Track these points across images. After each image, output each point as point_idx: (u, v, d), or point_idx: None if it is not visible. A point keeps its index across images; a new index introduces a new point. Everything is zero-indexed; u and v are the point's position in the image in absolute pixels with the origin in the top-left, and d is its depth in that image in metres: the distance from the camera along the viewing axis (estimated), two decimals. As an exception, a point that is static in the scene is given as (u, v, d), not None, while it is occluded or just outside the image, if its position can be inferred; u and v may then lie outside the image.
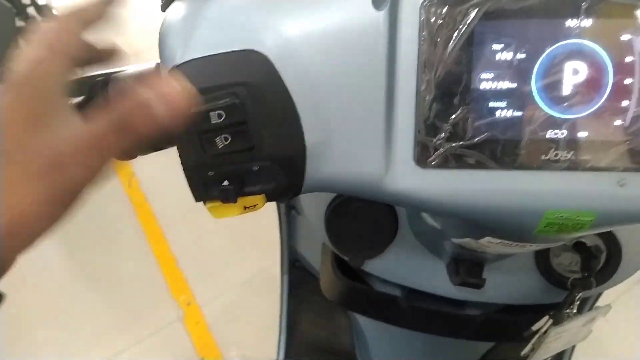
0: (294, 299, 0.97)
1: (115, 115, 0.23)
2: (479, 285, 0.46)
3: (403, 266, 0.56)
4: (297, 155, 0.28)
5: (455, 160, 0.27)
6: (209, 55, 0.27)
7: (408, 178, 0.28)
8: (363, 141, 0.28)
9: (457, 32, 0.26)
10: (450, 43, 0.26)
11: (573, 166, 0.26)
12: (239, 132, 0.27)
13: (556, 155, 0.26)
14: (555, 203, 0.27)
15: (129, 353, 1.40)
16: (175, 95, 0.23)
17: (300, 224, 0.87)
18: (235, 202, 0.29)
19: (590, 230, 0.29)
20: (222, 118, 0.26)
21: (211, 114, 0.26)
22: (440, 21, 0.26)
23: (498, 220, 0.29)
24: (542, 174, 0.27)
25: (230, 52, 0.27)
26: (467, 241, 0.37)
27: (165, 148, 0.32)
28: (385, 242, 0.53)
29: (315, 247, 0.77)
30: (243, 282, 1.51)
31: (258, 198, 0.30)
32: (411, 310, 0.60)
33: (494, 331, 0.61)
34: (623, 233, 0.48)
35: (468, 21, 0.26)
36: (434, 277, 0.55)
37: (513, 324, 0.59)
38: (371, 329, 0.75)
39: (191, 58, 0.27)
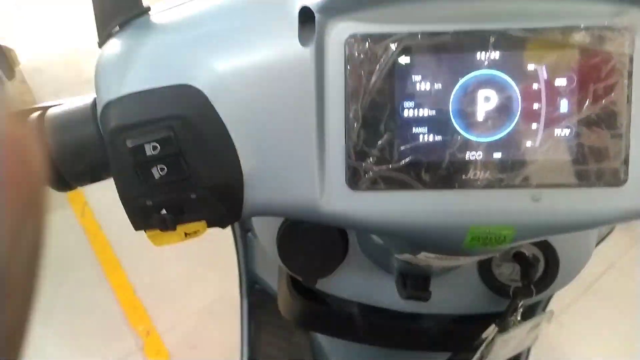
0: (254, 322, 0.96)
1: None
2: (425, 298, 0.48)
3: (355, 283, 0.57)
4: (234, 183, 0.29)
5: (384, 182, 0.29)
6: (144, 90, 0.28)
7: (341, 201, 0.29)
8: (297, 167, 0.29)
9: (379, 65, 0.28)
10: (374, 75, 0.28)
11: (491, 184, 0.28)
12: (174, 162, 0.28)
13: (475, 174, 0.28)
14: (478, 219, 0.29)
15: (87, 388, 1.35)
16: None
17: (257, 247, 0.88)
18: (174, 229, 0.30)
19: (514, 243, 0.31)
20: (157, 150, 0.27)
21: (146, 146, 0.27)
22: (362, 55, 0.28)
23: (427, 237, 0.31)
24: (465, 193, 0.29)
25: (165, 86, 0.28)
26: (408, 257, 0.39)
27: (103, 179, 0.32)
28: (336, 260, 0.54)
29: (273, 268, 0.77)
30: (203, 308, 1.49)
31: (199, 224, 0.31)
32: (367, 325, 0.61)
33: (448, 341, 0.63)
34: (559, 242, 0.51)
35: (389, 55, 0.28)
36: (385, 293, 0.57)
37: (464, 333, 0.61)
38: (331, 347, 0.75)
39: (127, 93, 0.28)
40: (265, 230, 0.55)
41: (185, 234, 0.31)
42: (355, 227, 0.30)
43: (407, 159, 0.28)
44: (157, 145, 0.27)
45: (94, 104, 0.31)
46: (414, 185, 0.29)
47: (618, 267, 1.50)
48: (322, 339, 0.77)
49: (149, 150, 0.27)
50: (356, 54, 0.28)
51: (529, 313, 0.59)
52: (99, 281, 1.56)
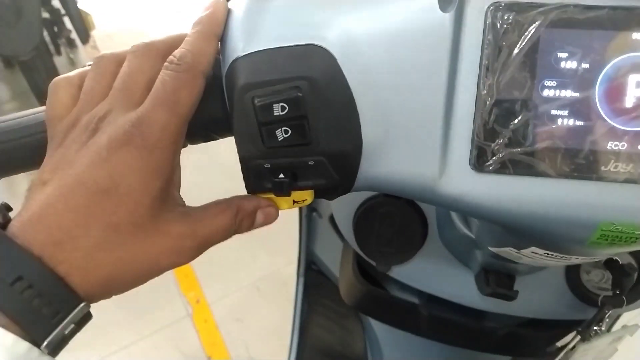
0: (307, 302, 0.96)
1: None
2: (511, 297, 0.46)
3: (429, 273, 0.55)
4: (352, 153, 0.28)
5: (512, 167, 0.27)
6: (272, 48, 0.27)
7: (463, 182, 0.28)
8: (420, 142, 0.28)
9: (522, 38, 0.26)
10: (515, 49, 0.26)
11: (632, 179, 0.26)
12: (298, 125, 0.27)
13: (616, 167, 0.26)
14: (610, 215, 0.27)
15: (134, 348, 1.40)
16: None
17: (320, 227, 0.87)
18: (288, 195, 0.29)
19: None
20: (285, 111, 0.26)
21: (274, 106, 0.26)
22: (505, 26, 0.26)
23: (551, 230, 0.28)
24: (600, 185, 0.26)
25: (294, 46, 0.27)
26: (507, 250, 0.37)
27: (213, 139, 0.32)
28: (413, 248, 0.53)
29: (333, 250, 0.77)
30: (251, 284, 1.51)
31: (307, 193, 0.30)
32: (430, 318, 0.60)
33: (515, 345, 0.60)
34: None
35: (534, 28, 0.25)
36: (459, 286, 0.55)
37: (533, 338, 0.58)
38: (385, 336, 0.74)
39: (254, 50, 0.27)
40: (343, 212, 0.54)
41: (294, 202, 0.30)
42: (476, 212, 0.29)
43: (543, 144, 0.26)
44: (286, 105, 0.26)
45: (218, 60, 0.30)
46: (547, 173, 0.27)
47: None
48: (376, 326, 0.76)
49: (277, 110, 0.26)
50: (498, 24, 0.26)
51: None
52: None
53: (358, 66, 0.27)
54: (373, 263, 0.55)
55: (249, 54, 0.27)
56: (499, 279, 0.47)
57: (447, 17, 0.26)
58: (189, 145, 0.32)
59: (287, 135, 0.27)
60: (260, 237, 1.52)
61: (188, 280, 1.53)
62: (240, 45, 0.27)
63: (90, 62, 0.30)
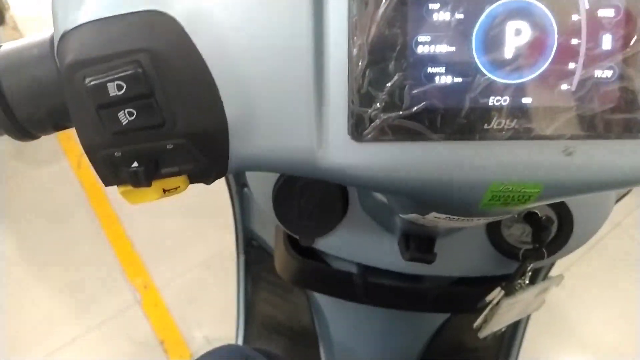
0: (251, 279, 0.94)
1: None
2: (430, 260, 0.45)
3: (355, 243, 0.54)
4: (217, 132, 0.25)
5: (392, 132, 0.25)
6: (105, 18, 0.23)
7: (342, 153, 0.25)
8: (291, 113, 0.25)
9: None
10: (383, 2, 0.23)
11: (517, 135, 0.24)
12: (145, 106, 0.23)
13: (499, 123, 0.24)
14: (499, 175, 0.25)
15: (82, 341, 1.35)
16: None
17: (253, 203, 0.84)
18: (149, 185, 0.26)
19: (537, 203, 0.28)
20: (122, 90, 0.23)
21: (109, 85, 0.23)
22: None
23: (441, 195, 0.27)
24: (486, 145, 0.25)
25: (130, 13, 0.23)
26: (414, 217, 0.36)
27: (68, 127, 0.28)
28: (335, 219, 0.51)
29: (271, 225, 0.75)
30: (201, 263, 1.48)
31: (179, 180, 0.27)
32: (366, 286, 0.59)
33: (449, 303, 0.61)
34: (574, 202, 0.47)
35: None
36: (387, 253, 0.54)
37: (467, 295, 0.58)
38: (329, 306, 0.74)
39: (86, 21, 0.23)
40: (260, 187, 0.52)
41: (164, 191, 0.27)
42: (358, 183, 0.27)
43: (421, 105, 0.24)
44: (123, 83, 0.23)
45: (52, 37, 0.27)
46: (428, 136, 0.25)
47: (623, 227, 1.47)
48: (320, 298, 0.75)
49: (112, 89, 0.23)
50: None
51: (534, 278, 0.56)
52: (96, 235, 1.54)
53: (210, 33, 0.24)
54: (296, 237, 0.53)
55: (77, 26, 0.23)
56: (419, 243, 0.46)
57: None
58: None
59: (133, 117, 0.23)
60: (207, 214, 1.49)
61: (134, 266, 1.48)
62: (69, 16, 0.24)
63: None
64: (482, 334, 0.52)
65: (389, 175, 0.26)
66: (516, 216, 0.49)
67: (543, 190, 0.26)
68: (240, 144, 0.26)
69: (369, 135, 0.25)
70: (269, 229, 0.87)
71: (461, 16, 0.23)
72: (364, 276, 0.59)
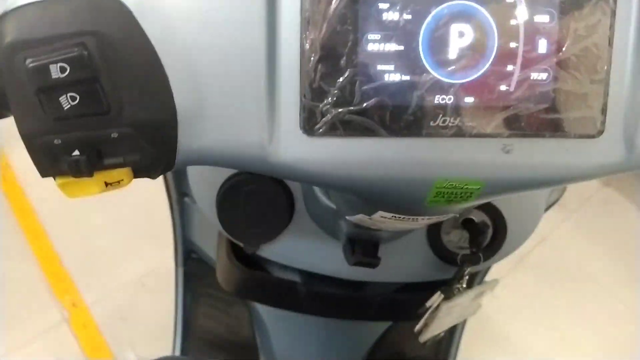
0: (190, 293, 0.92)
1: None
2: (374, 264, 0.46)
3: (300, 250, 0.54)
4: (166, 122, 0.24)
5: (343, 127, 0.25)
6: None
7: (294, 147, 0.26)
8: (243, 107, 0.25)
9: None
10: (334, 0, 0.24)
11: (460, 133, 0.26)
12: (88, 90, 0.23)
13: (444, 121, 0.25)
14: (444, 171, 0.26)
15: (5, 362, 1.26)
16: None
17: (194, 213, 0.82)
18: (90, 176, 0.25)
19: (480, 199, 0.29)
20: (66, 72, 0.22)
21: (51, 67, 0.22)
22: None
23: (388, 192, 0.28)
24: (431, 141, 0.26)
25: None
26: (361, 218, 0.36)
27: (5, 115, 0.26)
28: (280, 225, 0.51)
29: (212, 236, 0.73)
30: (135, 280, 1.42)
31: (122, 172, 0.26)
32: (310, 295, 0.59)
33: (392, 311, 0.62)
34: (507, 209, 0.50)
35: None
36: (331, 260, 0.54)
37: (408, 302, 0.60)
38: (271, 318, 0.73)
39: (27, 2, 0.22)
40: (204, 192, 0.51)
41: (106, 184, 0.26)
42: (308, 179, 0.27)
43: (371, 101, 0.25)
44: (66, 66, 0.22)
45: None
46: (377, 132, 0.25)
47: (550, 241, 1.56)
48: (262, 310, 0.74)
49: (55, 71, 0.22)
50: None
51: (471, 283, 0.58)
52: (21, 250, 1.44)
53: (160, 20, 0.23)
54: (240, 244, 0.53)
55: (20, 6, 0.22)
56: (363, 248, 0.47)
57: None
58: None
59: (75, 102, 0.23)
60: (142, 229, 1.44)
61: (62, 284, 1.40)
62: None
63: None
64: (423, 338, 0.53)
65: (339, 170, 0.26)
66: (455, 222, 0.51)
67: (484, 187, 0.27)
68: (189, 136, 0.25)
69: (320, 130, 0.25)
70: (210, 241, 0.85)
71: (409, 16, 0.24)
72: (308, 285, 0.59)
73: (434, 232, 0.52)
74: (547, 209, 0.55)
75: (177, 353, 0.90)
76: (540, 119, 0.26)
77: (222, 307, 0.90)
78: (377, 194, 0.28)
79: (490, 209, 0.50)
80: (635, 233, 1.59)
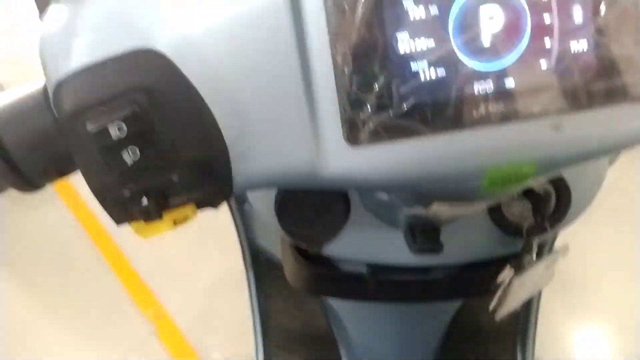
0: (262, 294, 0.95)
1: None
2: (437, 250, 0.46)
3: (362, 243, 0.55)
4: (218, 156, 0.26)
5: (387, 132, 0.25)
6: (96, 62, 0.24)
7: (342, 159, 0.26)
8: (287, 128, 0.26)
9: None
10: (358, 7, 0.24)
11: (506, 118, 0.25)
12: (146, 142, 0.24)
13: (487, 109, 0.25)
14: (495, 159, 0.26)
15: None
16: None
17: (256, 217, 0.85)
18: (160, 218, 0.26)
19: (536, 179, 0.29)
20: (123, 130, 0.23)
21: (110, 127, 0.23)
22: None
23: (441, 187, 0.28)
24: (478, 131, 0.26)
25: (120, 54, 0.24)
26: (418, 210, 0.36)
27: (71, 172, 0.29)
28: (339, 223, 0.52)
29: (276, 237, 0.75)
30: (213, 284, 1.48)
31: (187, 209, 0.27)
32: (377, 283, 0.60)
33: (461, 288, 0.62)
34: (569, 173, 0.48)
35: None
36: (395, 249, 0.54)
37: (477, 277, 0.59)
38: (345, 309, 0.74)
39: (76, 68, 0.24)
40: (262, 200, 0.53)
41: (175, 222, 0.28)
42: (361, 187, 0.28)
43: (410, 102, 0.25)
44: (123, 124, 0.23)
45: (45, 87, 0.27)
46: (421, 131, 0.25)
47: (619, 186, 1.48)
48: (335, 303, 0.76)
49: (114, 131, 0.23)
50: None
51: (541, 252, 0.57)
52: (102, 272, 1.54)
53: (199, 63, 0.25)
54: (303, 246, 0.54)
55: (72, 74, 0.24)
56: (425, 235, 0.47)
57: None
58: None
59: (136, 155, 0.24)
60: (209, 234, 1.49)
61: (144, 297, 1.48)
62: (59, 64, 0.24)
63: None
64: (499, 316, 0.52)
65: (389, 174, 0.26)
66: (515, 195, 0.50)
67: (538, 167, 0.27)
68: (241, 165, 0.26)
69: (365, 138, 0.25)
70: (274, 241, 0.87)
71: (435, 10, 0.24)
72: (374, 274, 0.59)
73: (495, 207, 0.51)
74: (610, 164, 0.53)
75: (260, 354, 0.94)
76: (587, 91, 0.25)
77: (296, 303, 0.92)
78: (430, 191, 0.29)
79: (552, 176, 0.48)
80: None
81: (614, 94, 0.25)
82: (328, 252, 0.55)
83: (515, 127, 0.25)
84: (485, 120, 0.25)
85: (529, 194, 0.49)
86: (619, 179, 1.50)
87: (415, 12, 0.24)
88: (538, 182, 0.49)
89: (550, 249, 0.69)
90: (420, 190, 0.29)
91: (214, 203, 0.28)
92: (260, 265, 0.93)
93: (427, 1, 0.24)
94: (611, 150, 0.27)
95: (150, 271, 1.52)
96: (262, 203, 0.53)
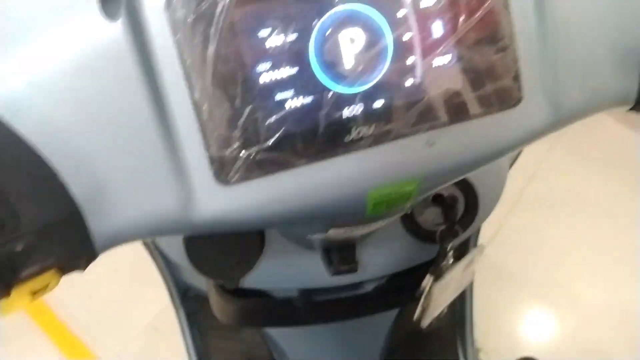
0: (197, 330, 0.91)
1: None
2: (353, 269, 0.45)
3: (283, 271, 0.53)
4: (70, 216, 0.23)
5: (258, 168, 0.24)
6: None
7: (213, 201, 0.24)
8: (147, 176, 0.24)
9: (214, 26, 0.22)
10: (212, 40, 0.22)
11: (379, 139, 0.24)
12: None
13: (359, 133, 0.24)
14: (373, 182, 0.25)
15: None
16: None
17: None
18: (8, 295, 0.23)
19: (421, 195, 0.28)
20: None
21: None
22: (192, 17, 0.22)
23: (324, 215, 0.26)
24: (352, 156, 0.25)
25: None
26: (320, 235, 0.35)
27: None
28: (253, 256, 0.50)
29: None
30: (147, 325, 1.40)
31: (46, 277, 0.24)
32: (308, 308, 0.58)
33: (392, 299, 0.61)
34: (474, 176, 0.49)
35: (223, 13, 0.22)
36: (318, 271, 0.53)
37: (407, 286, 0.59)
38: (282, 336, 0.72)
39: None
40: (170, 241, 0.50)
41: (34, 293, 0.24)
42: (237, 227, 0.26)
43: (278, 134, 0.24)
44: None
45: None
46: (294, 162, 0.24)
47: (540, 176, 1.56)
48: (272, 331, 0.74)
49: None
50: (183, 18, 0.22)
51: (463, 252, 0.58)
52: (24, 327, 1.42)
53: (32, 116, 0.22)
54: (220, 283, 0.52)
55: None
56: (340, 256, 0.46)
57: (119, 26, 0.22)
58: None
59: None
60: (139, 274, 1.42)
61: (75, 350, 1.38)
62: None
63: None
64: (425, 323, 0.52)
65: (266, 211, 0.25)
66: (426, 201, 0.50)
67: (420, 185, 0.26)
68: (102, 222, 0.24)
69: (235, 176, 0.24)
70: (200, 276, 0.84)
71: (293, 36, 0.23)
72: (302, 298, 0.58)
73: (408, 216, 0.51)
74: (511, 165, 0.55)
75: (201, 392, 0.89)
76: (455, 104, 0.24)
77: (234, 335, 0.89)
78: (315, 220, 0.27)
79: (459, 180, 0.49)
80: (621, 146, 1.59)
81: (481, 105, 0.25)
82: (248, 284, 0.53)
83: (390, 147, 0.25)
84: (358, 144, 0.24)
85: (438, 200, 0.50)
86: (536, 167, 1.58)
87: (274, 41, 0.23)
88: (444, 187, 0.49)
89: (475, 245, 0.71)
90: (303, 222, 0.27)
91: (77, 266, 0.25)
92: (190, 302, 0.89)
93: (285, 29, 0.23)
94: (491, 158, 0.27)
95: (79, 321, 1.42)
96: (171, 244, 0.50)
